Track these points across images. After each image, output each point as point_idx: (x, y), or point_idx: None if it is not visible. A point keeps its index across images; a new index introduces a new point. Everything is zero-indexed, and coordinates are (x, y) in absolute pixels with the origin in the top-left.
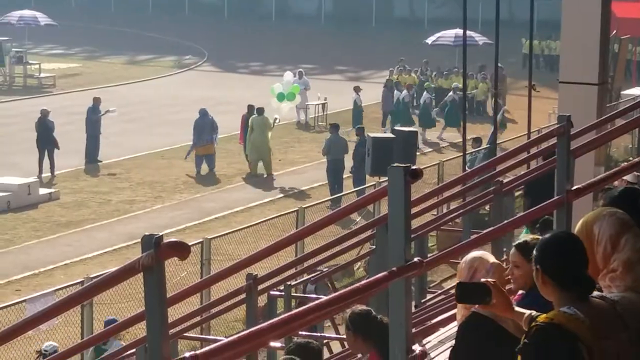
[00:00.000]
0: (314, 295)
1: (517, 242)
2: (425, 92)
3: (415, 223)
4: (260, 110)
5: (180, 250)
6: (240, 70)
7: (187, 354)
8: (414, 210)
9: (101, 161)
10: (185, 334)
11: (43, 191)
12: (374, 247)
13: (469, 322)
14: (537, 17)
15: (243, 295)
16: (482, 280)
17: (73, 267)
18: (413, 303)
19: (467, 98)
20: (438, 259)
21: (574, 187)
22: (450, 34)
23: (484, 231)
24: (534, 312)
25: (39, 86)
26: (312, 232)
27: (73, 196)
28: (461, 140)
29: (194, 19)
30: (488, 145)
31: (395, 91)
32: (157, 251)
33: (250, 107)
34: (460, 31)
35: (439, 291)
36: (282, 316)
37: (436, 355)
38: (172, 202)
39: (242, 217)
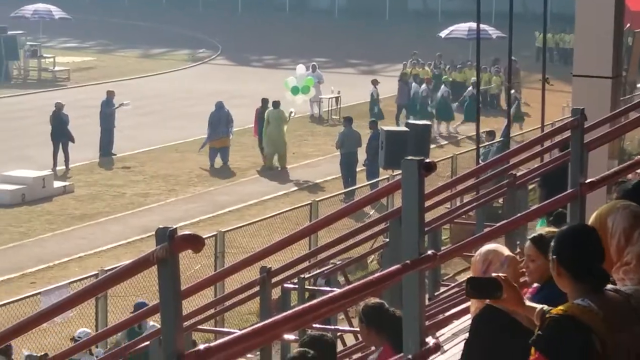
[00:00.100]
0: (327, 288)
1: (532, 236)
2: (443, 86)
3: (428, 216)
4: (277, 104)
5: (195, 243)
6: (254, 63)
7: (201, 346)
8: (427, 203)
9: (115, 154)
10: (199, 327)
11: (57, 184)
12: (388, 240)
13: (483, 314)
14: (550, 11)
15: (257, 288)
16: (494, 274)
17: (87, 260)
18: (426, 296)
19: (481, 92)
20: (451, 252)
21: (588, 180)
22: (463, 28)
23: (498, 224)
24: (545, 307)
25: (54, 80)
26: (326, 225)
27: (87, 189)
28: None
29: (207, 12)
30: (502, 139)
31: (414, 84)
32: (172, 244)
33: (265, 101)
34: (473, 24)
35: (453, 284)
36: (296, 309)
37: (450, 348)
38: (186, 195)
39: (256, 210)
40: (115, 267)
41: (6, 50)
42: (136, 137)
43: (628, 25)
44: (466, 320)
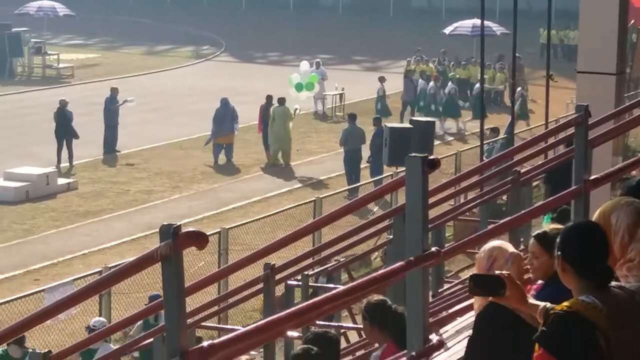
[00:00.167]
0: (331, 285)
1: (536, 233)
2: (450, 83)
3: (432, 213)
4: (282, 101)
5: (198, 239)
6: (258, 60)
7: (204, 343)
8: (431, 200)
9: (119, 151)
10: (202, 324)
11: (61, 181)
12: (391, 237)
13: (487, 311)
14: (554, 7)
15: (260, 285)
16: (497, 272)
17: (91, 257)
18: (430, 293)
19: (485, 89)
20: (455, 249)
21: (592, 177)
22: (467, 24)
23: (501, 221)
24: (548, 304)
25: (58, 76)
26: (330, 222)
27: (91, 186)
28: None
29: (211, 9)
30: (506, 135)
31: (420, 80)
32: (175, 241)
33: (269, 98)
34: (477, 21)
35: (456, 281)
36: (299, 306)
37: (453, 345)
38: (190, 192)
39: (259, 207)
40: (119, 264)
41: (10, 47)
42: (140, 134)
43: (632, 21)
44: (470, 317)
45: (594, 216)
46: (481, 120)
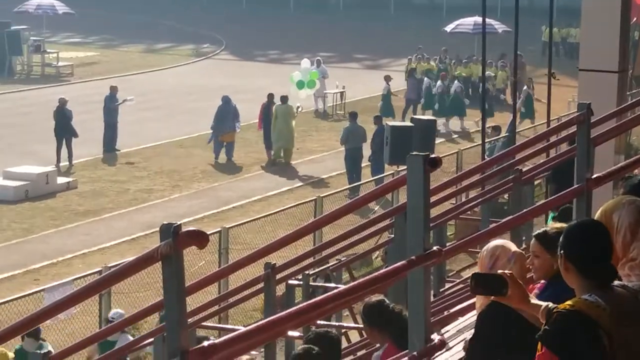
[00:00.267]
0: (332, 285)
1: (536, 232)
2: (455, 81)
3: (434, 212)
4: (284, 99)
5: (199, 239)
6: (259, 58)
7: (205, 343)
8: (432, 199)
9: (119, 150)
10: (203, 323)
11: (61, 180)
12: (393, 236)
13: (489, 311)
14: (556, 5)
15: (261, 285)
16: (499, 271)
17: (91, 257)
18: (432, 292)
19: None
20: (457, 248)
21: (594, 176)
22: (469, 22)
23: (503, 220)
24: (550, 304)
25: (57, 75)
26: (330, 221)
27: (91, 185)
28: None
29: (211, 7)
30: (507, 134)
31: (425, 79)
32: (176, 240)
33: (270, 96)
34: (479, 19)
35: (458, 280)
36: (300, 305)
37: (455, 345)
38: (190, 191)
39: (260, 206)
40: (119, 264)
41: (9, 46)
42: (140, 132)
43: (635, 19)
44: (472, 317)
45: (596, 215)
46: (483, 119)
